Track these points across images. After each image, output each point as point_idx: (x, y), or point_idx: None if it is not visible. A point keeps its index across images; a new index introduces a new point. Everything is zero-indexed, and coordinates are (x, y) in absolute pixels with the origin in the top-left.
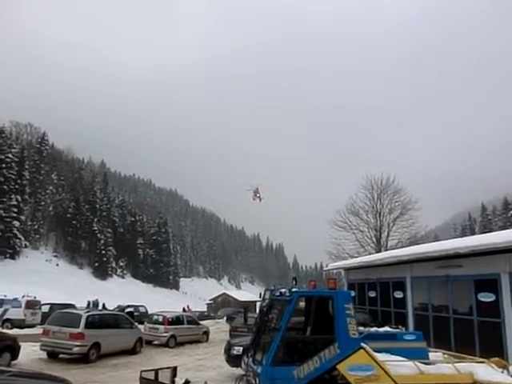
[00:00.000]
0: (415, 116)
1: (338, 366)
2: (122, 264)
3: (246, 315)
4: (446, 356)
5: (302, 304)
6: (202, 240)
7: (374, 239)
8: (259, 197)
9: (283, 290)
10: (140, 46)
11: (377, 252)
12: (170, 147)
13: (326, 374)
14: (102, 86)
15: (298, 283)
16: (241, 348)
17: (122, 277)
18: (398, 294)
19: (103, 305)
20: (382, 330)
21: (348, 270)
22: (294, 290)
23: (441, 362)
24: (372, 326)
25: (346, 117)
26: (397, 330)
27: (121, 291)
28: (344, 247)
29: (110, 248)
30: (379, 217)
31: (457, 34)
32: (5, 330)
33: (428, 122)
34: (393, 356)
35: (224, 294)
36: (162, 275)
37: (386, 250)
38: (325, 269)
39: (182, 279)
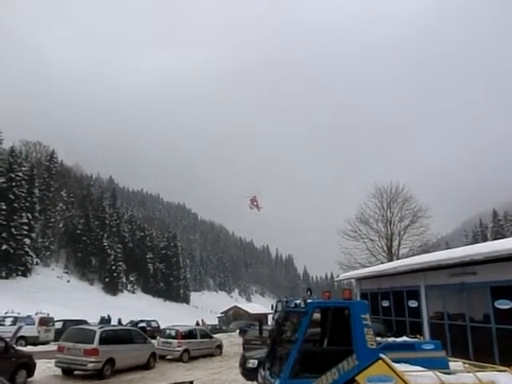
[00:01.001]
0: (423, 124)
1: (356, 378)
2: (132, 279)
3: (261, 327)
4: (466, 365)
5: (317, 315)
6: (212, 253)
7: (385, 248)
8: (257, 205)
9: (298, 302)
10: (144, 64)
11: (388, 261)
12: (177, 162)
13: None
14: (107, 104)
15: (306, 295)
16: (256, 361)
17: (133, 292)
18: (413, 303)
19: (119, 320)
20: (399, 339)
21: (360, 279)
22: (309, 301)
23: (461, 372)
24: (388, 336)
25: (352, 126)
26: (415, 340)
27: (132, 306)
28: (355, 257)
29: (120, 263)
30: (390, 225)
31: (468, 40)
32: (19, 348)
33: (436, 130)
34: (412, 366)
35: (235, 306)
36: (172, 289)
37: (398, 258)
38: (336, 279)
39: (192, 293)
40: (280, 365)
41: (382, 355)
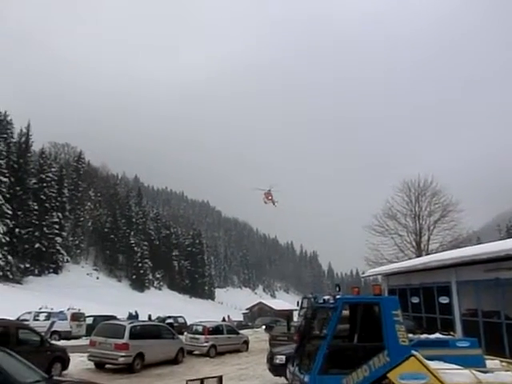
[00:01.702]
0: (452, 117)
1: (388, 375)
2: (158, 276)
3: (289, 323)
4: (504, 364)
5: (345, 312)
6: (236, 250)
7: (414, 243)
8: (271, 199)
9: (327, 297)
10: (168, 63)
11: (417, 256)
12: (200, 159)
13: (377, 382)
14: (130, 105)
15: (334, 290)
16: (283, 357)
17: (159, 288)
18: (444, 300)
19: (149, 316)
20: (432, 336)
21: (388, 275)
22: (338, 296)
23: (499, 370)
24: (420, 333)
25: (377, 120)
26: (449, 337)
27: (158, 303)
28: (382, 252)
29: (147, 261)
30: (418, 220)
31: (490, 33)
32: (54, 342)
33: (466, 123)
34: (446, 364)
35: (260, 303)
36: (197, 286)
37: (428, 254)
38: (363, 275)
39: (217, 289)
40: (309, 361)
41: (414, 352)
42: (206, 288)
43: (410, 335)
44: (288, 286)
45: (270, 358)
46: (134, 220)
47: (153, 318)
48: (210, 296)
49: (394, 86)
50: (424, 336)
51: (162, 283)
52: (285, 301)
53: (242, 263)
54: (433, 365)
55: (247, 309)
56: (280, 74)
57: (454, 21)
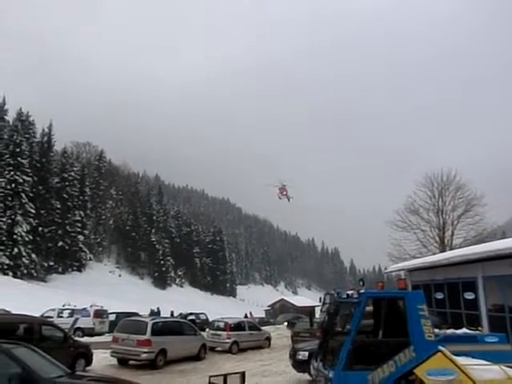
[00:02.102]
0: (470, 112)
1: (415, 371)
2: (180, 273)
3: (312, 319)
4: None
5: (368, 307)
6: (257, 247)
7: (437, 238)
8: (286, 195)
9: (350, 292)
10: (186, 65)
11: (441, 252)
12: (220, 157)
13: (403, 378)
14: (150, 102)
15: (357, 286)
16: (306, 353)
17: (181, 286)
18: (469, 295)
19: (171, 312)
20: (459, 331)
21: (411, 271)
22: (362, 291)
23: None
24: (447, 328)
25: (395, 114)
26: (476, 332)
27: (180, 300)
28: (405, 248)
29: (168, 258)
30: (441, 215)
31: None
32: (77, 338)
33: (488, 115)
34: (475, 360)
35: (282, 299)
36: (219, 283)
37: (451, 249)
38: (386, 271)
39: (238, 286)
40: (333, 356)
41: (441, 347)
42: (228, 285)
43: (436, 330)
44: (310, 282)
45: (293, 354)
46: (155, 218)
47: (175, 314)
48: (232, 293)
49: (402, 81)
50: (451, 331)
51: (183, 280)
52: (307, 297)
53: (264, 260)
54: (461, 360)
55: (269, 305)
56: (280, 73)
57: (456, 17)
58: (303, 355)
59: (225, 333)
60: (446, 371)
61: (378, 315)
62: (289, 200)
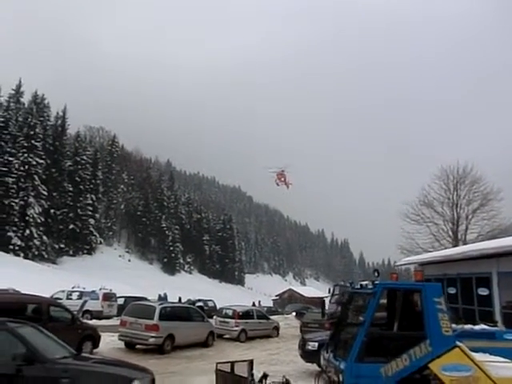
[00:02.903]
0: (481, 106)
1: (430, 365)
2: (189, 260)
3: (324, 310)
4: None
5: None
6: (266, 236)
7: (451, 232)
8: (284, 181)
9: (364, 283)
10: (198, 52)
11: (454, 246)
12: (232, 145)
13: (417, 373)
14: (163, 89)
15: (368, 278)
16: (316, 343)
17: (190, 272)
18: (483, 291)
19: (179, 298)
20: (477, 327)
21: (423, 264)
22: (377, 282)
23: None
24: (464, 323)
25: (405, 113)
26: (495, 328)
27: (188, 286)
28: (417, 241)
29: (178, 244)
30: (456, 208)
31: None
32: (85, 321)
33: (503, 108)
34: (492, 356)
35: (290, 289)
36: (227, 271)
37: (465, 243)
38: (398, 264)
39: (246, 275)
40: (345, 348)
41: (458, 343)
42: (236, 273)
43: (453, 325)
44: (318, 273)
45: (302, 345)
46: (165, 204)
47: (183, 300)
48: (240, 281)
49: (424, 72)
50: (468, 327)
51: (192, 267)
52: (315, 289)
53: (273, 250)
54: (478, 357)
55: (277, 295)
56: (304, 63)
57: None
58: (313, 345)
59: (233, 320)
60: (463, 367)
61: (393, 307)
62: (288, 187)
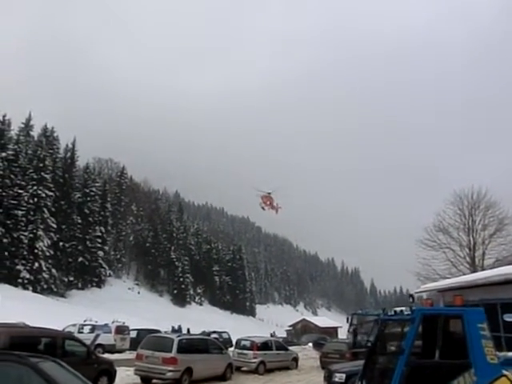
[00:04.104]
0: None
1: None
2: (199, 291)
3: (356, 339)
4: None
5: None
6: (276, 266)
7: (468, 258)
8: (271, 205)
9: (398, 309)
10: (209, 76)
11: (472, 272)
12: (240, 175)
13: None
14: (171, 117)
15: (377, 309)
16: (343, 375)
17: (200, 304)
18: (509, 317)
19: (188, 330)
20: None
21: (443, 291)
22: (416, 307)
23: None
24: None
25: (415, 138)
26: None
27: (199, 318)
28: (434, 268)
29: (188, 275)
30: (472, 234)
31: None
32: (100, 355)
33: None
34: None
35: (304, 319)
36: (238, 302)
37: (483, 269)
38: (417, 291)
39: (257, 306)
40: (382, 379)
41: (504, 371)
42: (247, 304)
43: (496, 352)
44: (330, 303)
45: (328, 376)
46: (174, 235)
47: (194, 332)
48: (251, 312)
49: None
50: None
51: (203, 298)
52: (328, 318)
53: (283, 279)
54: None
55: (290, 326)
56: (330, 82)
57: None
58: (340, 377)
59: (251, 352)
60: None
61: (431, 334)
62: (276, 211)
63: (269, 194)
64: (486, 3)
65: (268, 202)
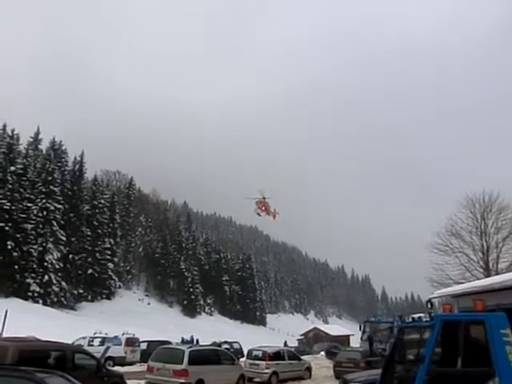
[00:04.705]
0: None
1: None
2: (209, 301)
3: (372, 347)
4: None
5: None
6: (286, 275)
7: (482, 262)
8: (267, 210)
9: (416, 316)
10: (215, 86)
11: (486, 276)
12: (246, 184)
13: None
14: (179, 129)
15: (388, 316)
16: None
17: (210, 314)
18: None
19: (197, 341)
20: None
21: (458, 296)
22: (436, 314)
23: None
24: None
25: (423, 139)
26: None
27: (210, 328)
28: (448, 273)
29: (198, 286)
30: (485, 237)
31: None
32: (110, 368)
33: None
34: None
35: (315, 328)
36: (248, 311)
37: (497, 273)
38: (431, 296)
39: (268, 315)
40: None
41: None
42: (258, 313)
43: None
44: (340, 311)
45: None
46: (183, 245)
47: (204, 343)
48: (262, 322)
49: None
50: None
51: (213, 309)
52: (339, 326)
53: (293, 288)
54: None
55: (302, 334)
56: (331, 88)
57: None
58: None
59: (263, 362)
60: None
61: (452, 341)
62: (274, 217)
63: (264, 198)
64: (486, 11)
65: (263, 208)
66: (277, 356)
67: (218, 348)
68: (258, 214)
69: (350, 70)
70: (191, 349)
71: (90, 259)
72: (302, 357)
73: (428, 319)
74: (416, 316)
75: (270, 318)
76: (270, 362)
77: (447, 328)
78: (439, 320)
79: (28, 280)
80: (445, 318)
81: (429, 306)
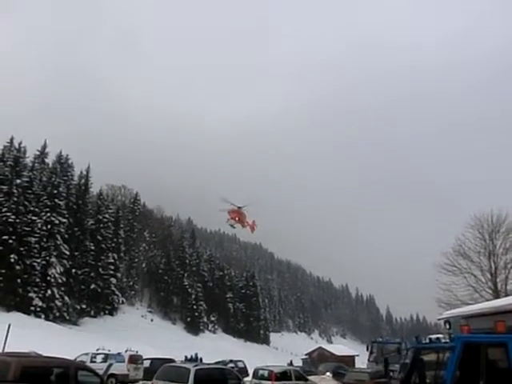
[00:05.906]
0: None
1: None
2: (213, 319)
3: (387, 368)
4: None
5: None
6: (290, 293)
7: (490, 283)
8: (241, 221)
9: (434, 337)
10: (222, 102)
11: (495, 298)
12: (250, 201)
13: None
14: (184, 144)
15: (392, 336)
16: None
17: (214, 332)
18: None
19: (200, 359)
20: None
21: (468, 317)
22: (456, 335)
23: None
24: None
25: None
26: None
27: (213, 346)
28: (456, 293)
29: (201, 303)
30: (493, 258)
31: None
32: None
33: None
34: None
35: (320, 348)
36: (252, 330)
37: (507, 295)
38: (440, 317)
39: (271, 334)
40: None
41: None
42: (261, 332)
43: None
44: (344, 330)
45: None
46: (187, 261)
47: (207, 361)
48: (265, 341)
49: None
50: None
51: (216, 326)
52: (344, 346)
53: (297, 307)
54: None
55: (306, 354)
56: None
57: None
58: None
59: (269, 382)
60: None
61: (471, 363)
62: (252, 230)
63: (239, 208)
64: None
65: (237, 218)
66: (283, 376)
67: (224, 367)
68: (232, 226)
69: (352, 87)
70: (197, 367)
71: (93, 274)
72: (308, 377)
73: (447, 340)
74: (433, 337)
75: (273, 336)
76: (276, 382)
77: (467, 350)
78: (460, 342)
79: (31, 294)
80: (466, 340)
81: (447, 326)
